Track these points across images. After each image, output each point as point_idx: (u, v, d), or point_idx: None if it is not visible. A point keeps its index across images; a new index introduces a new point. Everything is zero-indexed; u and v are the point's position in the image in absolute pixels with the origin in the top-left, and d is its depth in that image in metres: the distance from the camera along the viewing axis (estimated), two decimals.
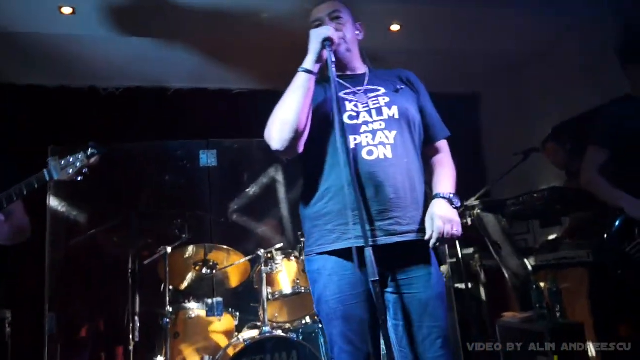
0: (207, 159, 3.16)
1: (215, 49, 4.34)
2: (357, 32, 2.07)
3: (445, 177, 1.97)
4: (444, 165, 2.02)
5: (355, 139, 1.81)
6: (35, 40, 3.75)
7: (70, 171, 1.97)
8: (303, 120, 1.77)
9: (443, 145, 2.07)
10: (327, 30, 1.79)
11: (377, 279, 1.55)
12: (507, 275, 3.58)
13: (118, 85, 4.66)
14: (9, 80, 4.29)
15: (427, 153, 2.04)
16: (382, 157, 1.79)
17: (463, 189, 3.83)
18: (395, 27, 4.03)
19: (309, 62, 1.79)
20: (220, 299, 3.00)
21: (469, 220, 3.59)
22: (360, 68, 2.04)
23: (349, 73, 2.00)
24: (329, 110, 1.84)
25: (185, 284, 3.65)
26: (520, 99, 5.06)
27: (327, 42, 1.77)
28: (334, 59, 1.77)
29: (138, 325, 3.21)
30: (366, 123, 1.85)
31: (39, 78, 4.42)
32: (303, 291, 3.32)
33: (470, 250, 4.09)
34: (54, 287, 3.24)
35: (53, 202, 3.30)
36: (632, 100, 2.78)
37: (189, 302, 3.42)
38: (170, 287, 3.49)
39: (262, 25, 3.86)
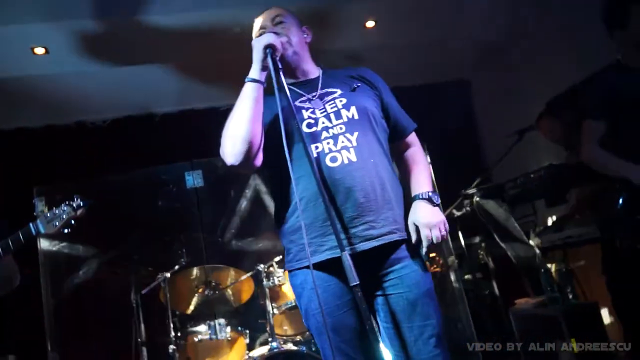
0: (193, 179, 3.13)
1: (198, 69, 4.33)
2: (305, 35, 2.01)
3: (421, 175, 1.93)
4: (417, 161, 1.98)
5: (317, 147, 1.75)
6: (13, 84, 3.76)
7: (57, 224, 1.98)
8: (255, 131, 1.72)
9: (413, 138, 2.03)
10: (268, 38, 1.74)
11: (357, 282, 1.48)
12: (515, 261, 3.49)
13: (105, 117, 4.67)
14: None
15: (397, 148, 2.00)
16: (346, 161, 1.73)
17: (461, 177, 3.82)
18: (370, 24, 3.99)
19: (254, 72, 1.75)
20: (222, 320, 2.96)
21: (468, 209, 3.52)
22: (313, 71, 1.98)
23: (302, 79, 1.95)
24: (285, 120, 1.78)
25: (191, 308, 3.60)
26: (510, 80, 4.97)
27: (269, 49, 1.72)
28: (281, 66, 1.72)
29: (146, 356, 3.17)
30: (326, 129, 1.79)
31: (25, 120, 4.43)
32: None
33: (476, 240, 4.02)
34: (55, 326, 3.21)
35: (44, 242, 3.29)
36: (622, 67, 2.69)
37: (197, 325, 3.39)
38: (177, 312, 3.48)
39: (239, 38, 3.82)
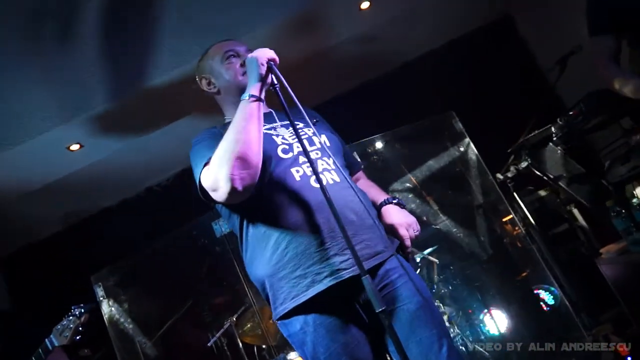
0: (220, 228, 3.21)
1: None
2: None
3: (378, 192, 1.96)
4: (370, 185, 2.02)
5: (297, 171, 1.71)
6: (67, 181, 4.09)
7: (67, 334, 2.14)
8: (261, 152, 1.64)
9: (362, 173, 2.10)
10: (270, 51, 1.68)
11: (384, 307, 1.38)
12: (588, 205, 3.08)
13: (167, 176, 4.97)
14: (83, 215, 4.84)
15: None
16: (331, 182, 1.70)
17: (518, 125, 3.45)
18: (365, 5, 3.77)
19: (256, 88, 1.66)
20: (282, 355, 3.00)
21: (524, 165, 3.16)
22: (264, 108, 1.89)
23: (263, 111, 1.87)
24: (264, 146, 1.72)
25: (276, 338, 3.71)
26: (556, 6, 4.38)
27: (271, 62, 1.66)
28: (276, 82, 1.66)
29: None
30: (302, 153, 1.73)
31: (103, 202, 4.88)
32: None
33: (547, 192, 3.62)
34: None
35: (110, 325, 3.55)
36: None
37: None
38: (264, 346, 3.62)
39: None
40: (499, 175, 3.21)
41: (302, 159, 1.74)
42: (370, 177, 2.06)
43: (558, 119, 2.94)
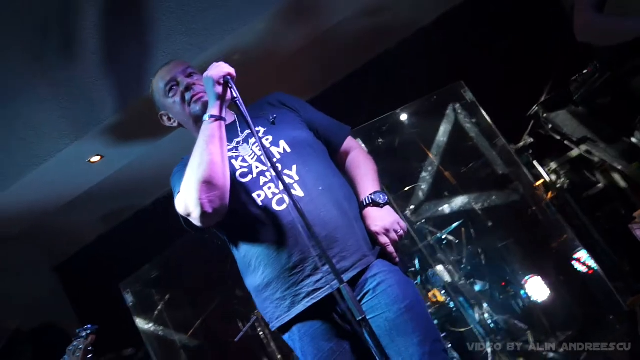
0: None
1: None
2: None
3: (363, 179, 1.84)
4: (358, 165, 1.89)
5: (259, 195, 1.70)
6: (98, 192, 4.22)
7: (79, 355, 2.22)
8: (227, 171, 1.64)
9: (349, 144, 1.93)
10: (224, 66, 1.64)
11: (363, 316, 1.41)
12: (619, 166, 2.85)
13: None
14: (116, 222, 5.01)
15: (338, 161, 1.90)
16: None
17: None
18: None
19: (216, 108, 1.64)
20: None
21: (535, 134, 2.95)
22: (229, 117, 1.86)
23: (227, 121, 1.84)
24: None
25: None
26: None
27: (228, 77, 1.63)
28: (237, 95, 1.62)
29: None
30: (262, 173, 1.72)
31: (142, 200, 5.02)
32: None
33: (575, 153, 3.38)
34: None
35: (143, 328, 3.68)
36: None
37: None
38: None
39: (240, 64, 3.76)
40: (517, 145, 3.03)
41: (262, 179, 1.71)
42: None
43: (572, 79, 2.71)
